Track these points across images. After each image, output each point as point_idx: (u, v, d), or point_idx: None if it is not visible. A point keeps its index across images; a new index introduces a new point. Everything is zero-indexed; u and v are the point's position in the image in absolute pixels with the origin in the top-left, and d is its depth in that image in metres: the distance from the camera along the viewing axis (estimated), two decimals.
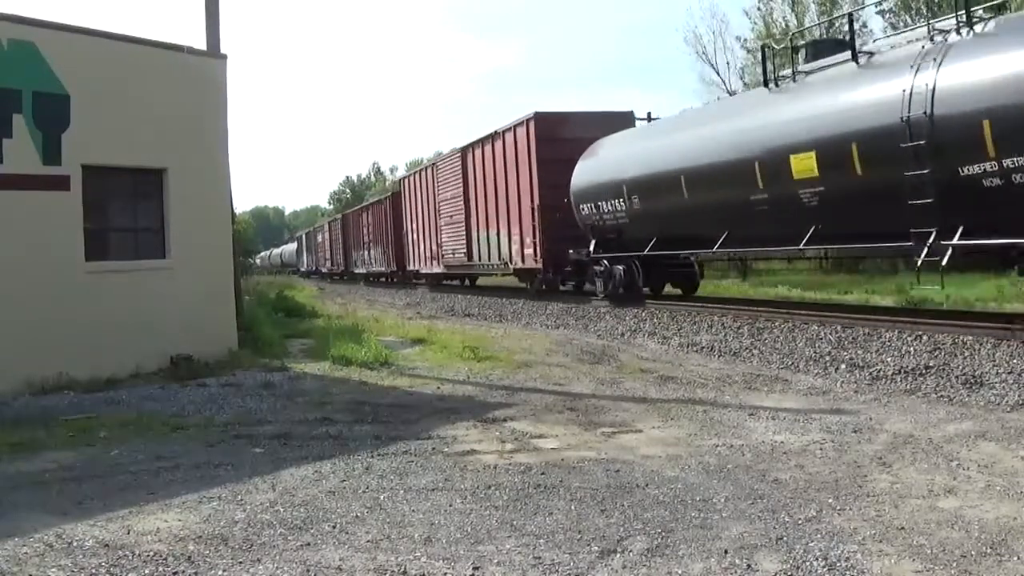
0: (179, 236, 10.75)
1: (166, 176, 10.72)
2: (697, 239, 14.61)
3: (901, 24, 29.29)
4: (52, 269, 9.41)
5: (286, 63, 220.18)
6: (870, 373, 8.13)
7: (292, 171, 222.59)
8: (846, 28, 14.72)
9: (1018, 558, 3.50)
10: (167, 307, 10.39)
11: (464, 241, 24.73)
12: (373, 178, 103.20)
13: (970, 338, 9.12)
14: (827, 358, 9.08)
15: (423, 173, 29.81)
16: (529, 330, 14.36)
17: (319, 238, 57.51)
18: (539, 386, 8.52)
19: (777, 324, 11.73)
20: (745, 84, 34.91)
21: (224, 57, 11.64)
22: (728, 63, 37.82)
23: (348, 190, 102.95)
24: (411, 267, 31.96)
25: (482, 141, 23.05)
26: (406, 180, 32.69)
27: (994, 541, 3.70)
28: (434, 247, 28.23)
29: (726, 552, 3.73)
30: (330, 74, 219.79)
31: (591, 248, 17.87)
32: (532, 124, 19.70)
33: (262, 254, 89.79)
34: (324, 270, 54.94)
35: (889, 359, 8.65)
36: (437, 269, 28.54)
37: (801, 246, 12.02)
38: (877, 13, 33.02)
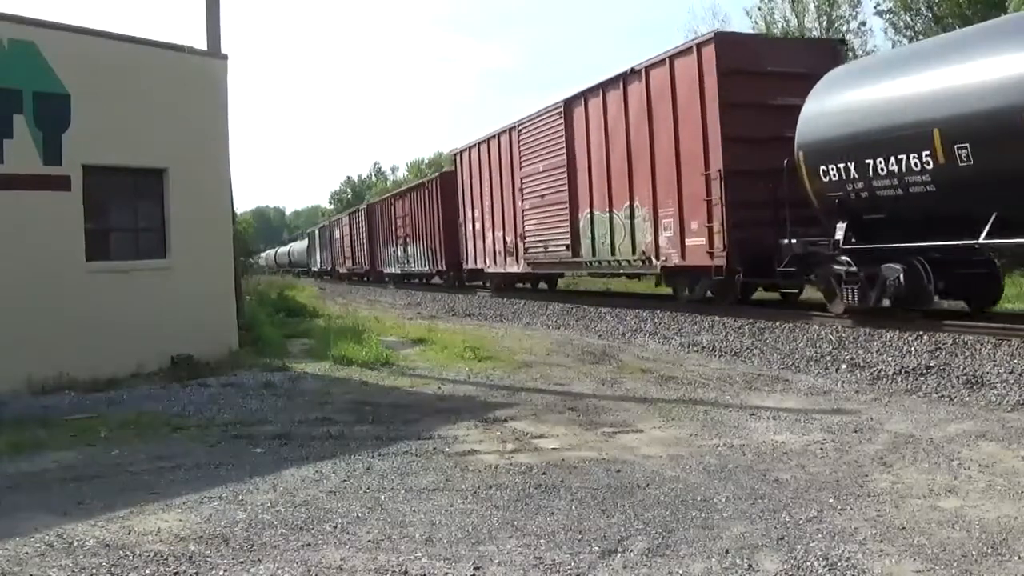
0: (179, 236, 10.75)
1: (166, 176, 10.72)
2: None
3: (901, 24, 29.26)
4: (53, 269, 9.41)
5: (287, 63, 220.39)
6: (871, 373, 8.13)
7: (293, 171, 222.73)
8: (844, 28, 14.26)
9: (1019, 558, 3.50)
10: (168, 307, 10.39)
11: (566, 229, 17.81)
12: (374, 178, 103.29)
13: (971, 338, 9.11)
14: (828, 358, 9.07)
15: (492, 143, 21.81)
16: (530, 330, 14.36)
17: (336, 233, 49.20)
18: (540, 386, 8.52)
19: (777, 324, 11.71)
20: None
21: (225, 57, 11.64)
22: None
23: (349, 190, 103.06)
24: (470, 265, 24.40)
25: (602, 87, 16.30)
26: (464, 155, 24.21)
27: (995, 541, 3.70)
28: (510, 239, 21.04)
29: (727, 552, 3.73)
30: (331, 74, 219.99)
31: (840, 235, 11.23)
32: (710, 50, 13.07)
33: (267, 253, 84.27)
34: (343, 270, 46.78)
35: (890, 359, 8.65)
36: (514, 268, 21.20)
37: None
38: (875, 14, 33.04)
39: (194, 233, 10.84)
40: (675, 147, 14.01)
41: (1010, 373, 7.44)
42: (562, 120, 17.88)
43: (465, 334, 13.26)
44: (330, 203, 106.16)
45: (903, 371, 7.99)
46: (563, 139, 17.80)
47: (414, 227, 30.34)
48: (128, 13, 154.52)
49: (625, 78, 15.45)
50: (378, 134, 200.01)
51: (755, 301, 14.50)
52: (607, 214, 16.25)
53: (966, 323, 10.17)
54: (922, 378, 7.68)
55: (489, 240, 22.59)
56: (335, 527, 4.33)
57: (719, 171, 12.92)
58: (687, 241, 13.94)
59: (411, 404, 7.88)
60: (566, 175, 17.68)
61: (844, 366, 8.62)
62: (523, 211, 19.91)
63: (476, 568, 3.69)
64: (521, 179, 19.97)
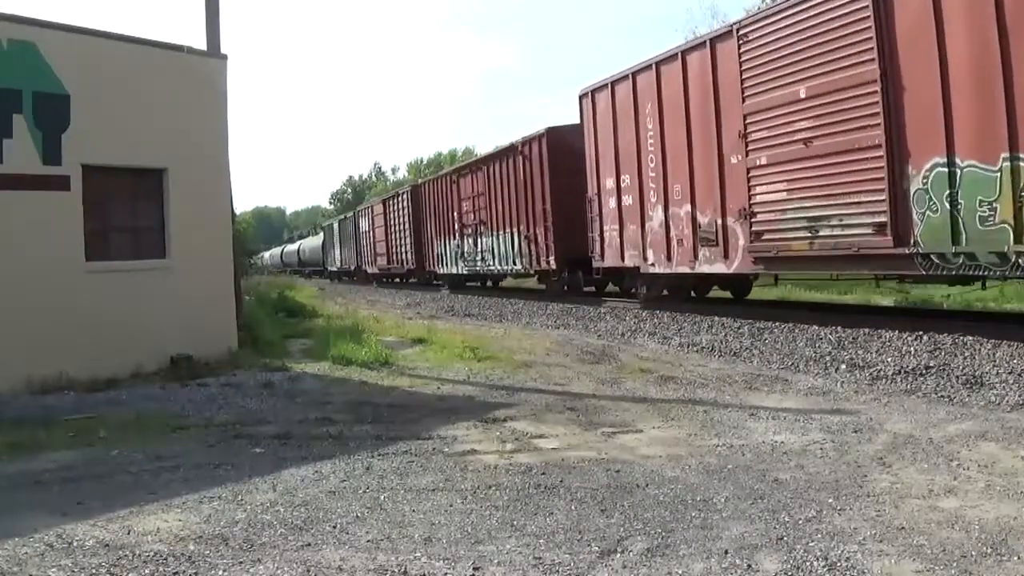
0: (179, 236, 10.76)
1: (166, 176, 10.73)
2: None
3: None
4: (52, 269, 9.41)
5: (286, 63, 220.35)
6: (870, 373, 8.13)
7: (293, 171, 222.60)
8: None
9: (1018, 558, 3.50)
10: (167, 307, 10.40)
11: (876, 196, 9.99)
12: (374, 178, 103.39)
13: (970, 338, 9.11)
14: (827, 358, 9.08)
15: (667, 69, 13.75)
16: (529, 330, 14.35)
17: (363, 225, 39.28)
18: (539, 386, 8.52)
19: (777, 324, 11.72)
20: None
21: (224, 57, 11.64)
22: None
23: (349, 189, 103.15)
24: (608, 262, 16.24)
25: None
26: (600, 96, 16.01)
27: (994, 541, 3.70)
28: (707, 218, 13.06)
29: (726, 552, 3.73)
30: (330, 74, 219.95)
31: None
32: None
33: (271, 251, 74.15)
34: (373, 270, 37.58)
35: (889, 359, 8.65)
36: (717, 266, 13.06)
37: None
38: None
39: (194, 233, 10.84)
40: None
41: (1009, 373, 7.44)
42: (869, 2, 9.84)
43: (464, 334, 13.26)
44: (330, 203, 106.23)
45: (903, 371, 7.99)
46: (870, 33, 9.83)
47: (495, 211, 22.20)
48: (128, 13, 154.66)
49: None
50: (378, 134, 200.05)
51: None
52: (999, 164, 8.52)
53: (967, 323, 10.17)
54: (921, 378, 7.68)
55: (654, 223, 14.44)
56: (335, 527, 4.33)
57: None
58: None
59: (411, 404, 7.88)
60: (880, 99, 9.73)
61: (843, 366, 8.62)
62: (748, 171, 11.94)
63: (475, 568, 3.69)
64: (746, 117, 11.89)
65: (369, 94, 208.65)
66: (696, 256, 13.35)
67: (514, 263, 21.31)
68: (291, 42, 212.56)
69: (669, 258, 14.06)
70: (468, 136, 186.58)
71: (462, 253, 25.08)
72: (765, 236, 11.82)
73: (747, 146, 11.96)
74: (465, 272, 25.60)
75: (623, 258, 15.63)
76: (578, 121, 17.20)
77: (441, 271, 27.60)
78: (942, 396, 7.03)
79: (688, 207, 13.45)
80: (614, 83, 15.43)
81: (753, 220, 11.99)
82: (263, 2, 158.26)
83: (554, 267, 19.29)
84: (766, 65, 11.52)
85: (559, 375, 9.15)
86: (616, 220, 15.74)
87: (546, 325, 15.05)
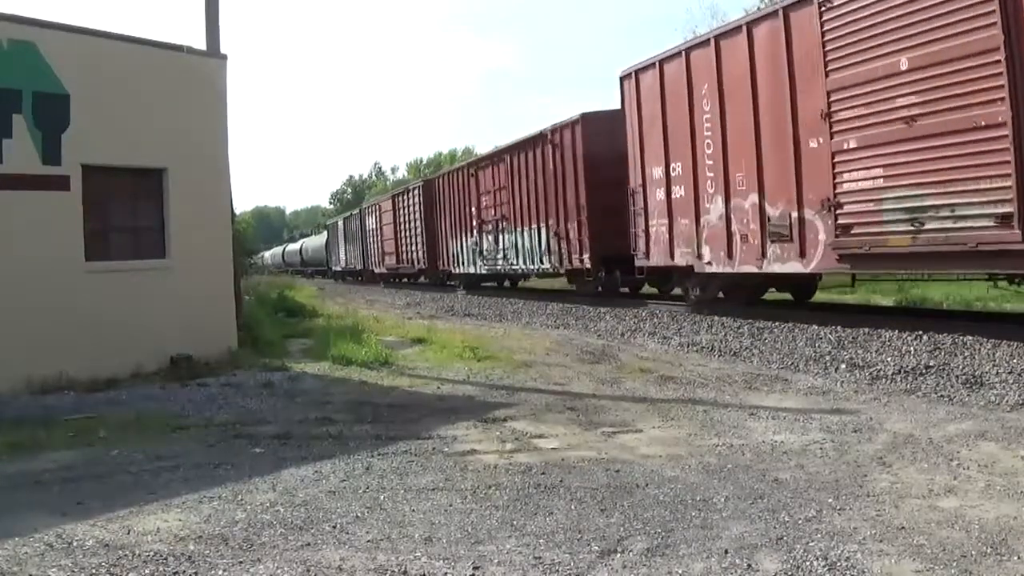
0: (179, 236, 10.76)
1: (166, 176, 10.73)
2: None
3: None
4: (52, 269, 9.41)
5: (286, 63, 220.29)
6: (870, 373, 8.13)
7: (293, 171, 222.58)
8: None
9: (1018, 558, 3.50)
10: (167, 307, 10.40)
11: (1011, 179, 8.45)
12: (374, 178, 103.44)
13: (970, 338, 9.11)
14: (827, 358, 9.08)
15: (728, 44, 12.39)
16: (529, 330, 14.35)
17: (370, 223, 37.75)
18: (539, 386, 8.52)
19: (777, 324, 11.72)
20: None
21: (224, 57, 11.64)
22: None
23: (349, 189, 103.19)
24: (653, 260, 14.60)
25: None
26: (644, 77, 14.46)
27: (994, 541, 3.70)
28: (778, 211, 11.56)
29: (726, 552, 3.73)
30: (330, 74, 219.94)
31: None
32: None
33: (272, 251, 72.22)
34: (381, 270, 36.15)
35: (889, 359, 8.65)
36: (790, 264, 11.53)
37: None
38: None
39: (193, 233, 10.84)
40: None
41: (1009, 373, 7.44)
42: None
43: (464, 334, 13.26)
44: (330, 203, 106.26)
45: (902, 371, 7.99)
46: None
47: (519, 205, 20.56)
48: (128, 13, 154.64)
49: None
50: (378, 134, 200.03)
51: None
52: None
53: (966, 322, 10.18)
54: (921, 378, 7.69)
55: (711, 216, 12.93)
56: (334, 527, 4.33)
57: None
58: None
59: (410, 404, 7.88)
60: (1004, 69, 8.41)
61: (843, 366, 8.62)
62: (832, 156, 10.50)
63: (475, 568, 3.69)
64: (830, 95, 10.45)
65: (369, 94, 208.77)
66: (764, 253, 11.80)
67: (541, 262, 19.68)
68: (291, 42, 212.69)
69: (730, 256, 12.51)
70: (468, 136, 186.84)
71: (481, 251, 23.37)
72: (855, 230, 10.28)
73: (831, 127, 10.45)
74: (484, 271, 23.91)
75: (673, 256, 13.94)
76: (612, 107, 15.90)
77: (457, 270, 26.04)
78: (942, 396, 7.03)
79: (755, 198, 11.90)
80: (662, 61, 13.81)
81: (839, 212, 10.44)
82: (263, 2, 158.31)
83: (588, 266, 17.55)
84: (856, 34, 9.99)
85: (559, 375, 9.15)
86: (665, 214, 14.04)
87: (546, 325, 15.05)
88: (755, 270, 12.17)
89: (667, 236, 14.03)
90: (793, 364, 9.07)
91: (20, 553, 4.08)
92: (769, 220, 11.65)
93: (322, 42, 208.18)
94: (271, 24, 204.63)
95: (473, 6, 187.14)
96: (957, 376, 7.56)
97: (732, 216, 12.42)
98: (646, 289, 17.92)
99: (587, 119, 17.43)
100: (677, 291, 15.58)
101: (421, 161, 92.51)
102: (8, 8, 9.46)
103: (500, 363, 10.13)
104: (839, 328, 10.78)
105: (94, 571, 3.81)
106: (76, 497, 5.06)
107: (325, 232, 53.93)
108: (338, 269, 46.68)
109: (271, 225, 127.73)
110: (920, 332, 9.74)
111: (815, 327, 11.12)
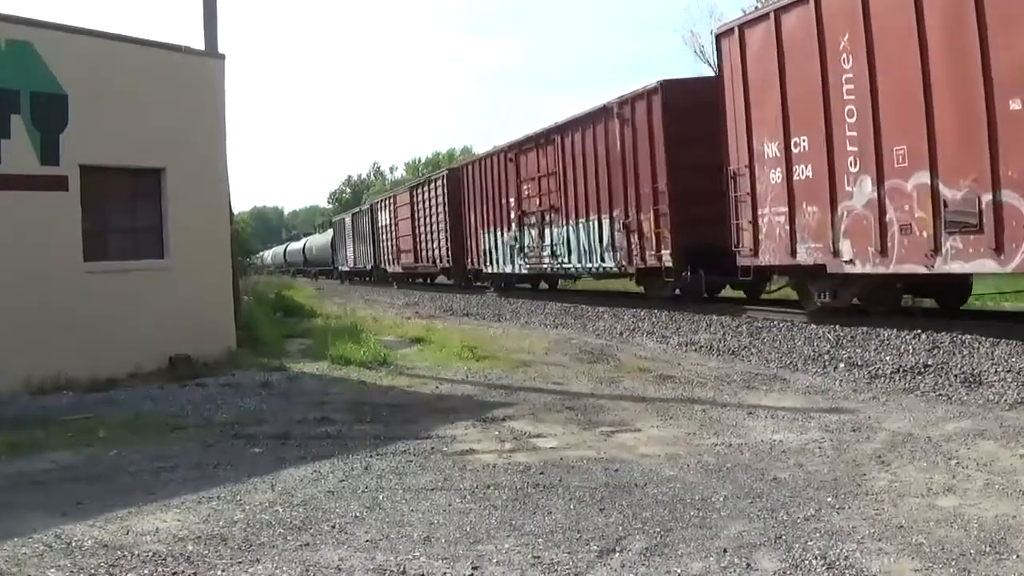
0: (177, 236, 10.75)
1: (164, 176, 10.72)
2: None
3: None
4: (51, 269, 9.40)
5: (284, 63, 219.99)
6: (869, 372, 8.13)
7: (291, 171, 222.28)
8: None
9: (1017, 556, 3.50)
10: (166, 307, 10.38)
11: None
12: (373, 178, 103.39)
13: (968, 337, 9.11)
14: (826, 357, 9.08)
15: None
16: (528, 329, 14.36)
17: (382, 219, 34.49)
18: (538, 385, 8.52)
19: (775, 323, 11.72)
20: None
21: (222, 57, 11.63)
22: None
23: (348, 189, 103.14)
24: (766, 259, 11.92)
25: None
26: (755, 32, 11.73)
27: (993, 539, 3.70)
28: (958, 194, 8.85)
29: (725, 551, 3.73)
30: (328, 74, 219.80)
31: None
32: None
33: (273, 250, 69.25)
34: (395, 269, 33.16)
35: (888, 358, 8.65)
36: (987, 263, 8.80)
37: None
38: None
39: (192, 233, 10.83)
40: None
41: (1008, 372, 7.44)
42: None
43: (463, 333, 13.26)
44: (329, 203, 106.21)
45: (901, 370, 8.00)
46: None
47: (573, 194, 17.60)
48: (127, 13, 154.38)
49: None
50: (377, 134, 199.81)
51: None
52: None
53: (965, 322, 10.17)
54: (920, 377, 7.69)
55: (855, 202, 10.22)
56: (333, 527, 4.33)
57: None
58: None
59: (409, 404, 7.88)
60: None
61: (842, 365, 8.63)
62: None
63: (474, 568, 3.69)
64: None
65: (368, 94, 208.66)
66: (938, 248, 9.14)
67: (601, 259, 16.61)
68: (289, 42, 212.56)
69: (883, 252, 9.83)
70: (467, 136, 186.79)
71: (521, 248, 20.30)
72: None
73: None
74: (525, 271, 20.80)
75: (794, 253, 11.19)
76: (691, 76, 13.42)
77: (489, 269, 22.85)
78: (940, 394, 7.03)
79: (923, 177, 9.22)
80: (779, 11, 11.11)
81: None
82: (262, 2, 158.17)
83: (670, 264, 14.44)
84: None
85: (557, 374, 9.15)
86: (784, 200, 11.27)
87: (544, 324, 15.05)
88: (922, 270, 9.50)
89: (787, 228, 11.28)
90: (792, 363, 9.07)
91: (19, 553, 4.08)
92: (946, 205, 9.00)
93: (321, 41, 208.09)
94: (270, 24, 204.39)
95: (473, 6, 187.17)
96: (956, 375, 7.56)
97: (887, 201, 9.72)
98: (727, 292, 15.50)
99: (667, 87, 14.42)
100: (772, 293, 13.57)
101: (419, 161, 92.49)
102: (6, 8, 9.47)
103: (499, 362, 10.13)
104: (837, 327, 10.79)
105: (93, 571, 3.81)
106: (75, 497, 5.06)
107: (331, 230, 51.07)
108: (345, 269, 43.91)
109: (269, 225, 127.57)
110: (918, 331, 9.74)
111: (813, 326, 11.13)
